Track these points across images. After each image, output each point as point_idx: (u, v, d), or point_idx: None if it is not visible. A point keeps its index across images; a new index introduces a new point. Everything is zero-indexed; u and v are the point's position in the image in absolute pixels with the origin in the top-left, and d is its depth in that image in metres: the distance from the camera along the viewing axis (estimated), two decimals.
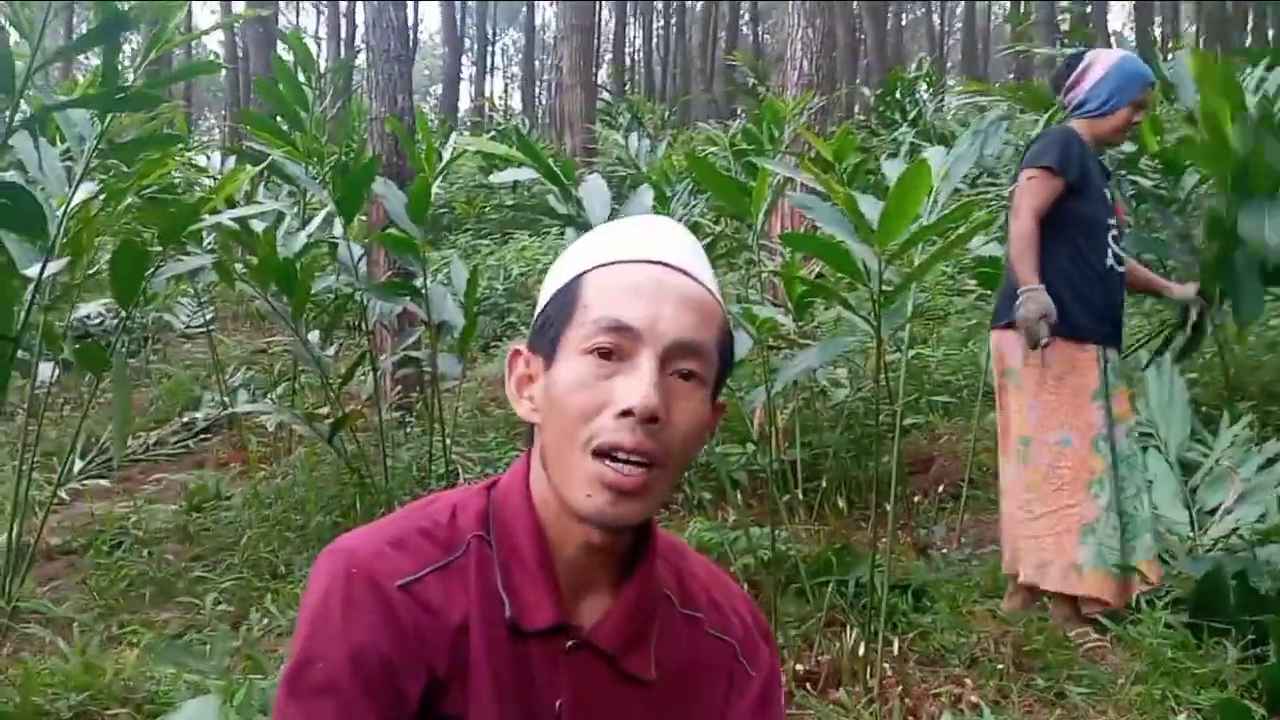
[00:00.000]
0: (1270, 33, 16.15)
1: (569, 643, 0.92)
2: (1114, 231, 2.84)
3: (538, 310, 0.97)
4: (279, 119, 3.77)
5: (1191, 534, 2.94)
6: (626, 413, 0.86)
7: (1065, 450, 2.70)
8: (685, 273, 0.92)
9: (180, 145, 3.48)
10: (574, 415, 0.88)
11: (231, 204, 3.65)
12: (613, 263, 0.92)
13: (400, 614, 0.88)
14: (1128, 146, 3.87)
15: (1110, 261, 2.81)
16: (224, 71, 23.16)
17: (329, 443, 3.44)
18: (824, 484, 3.69)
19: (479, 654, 0.89)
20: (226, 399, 5.09)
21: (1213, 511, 3.01)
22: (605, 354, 0.87)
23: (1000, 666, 2.48)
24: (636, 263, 0.92)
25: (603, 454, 0.87)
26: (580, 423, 0.88)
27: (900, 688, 2.39)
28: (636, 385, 0.86)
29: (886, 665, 2.49)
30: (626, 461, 0.86)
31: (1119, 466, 2.72)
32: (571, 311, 0.91)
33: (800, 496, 3.67)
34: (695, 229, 4.97)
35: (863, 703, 2.34)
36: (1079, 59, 2.92)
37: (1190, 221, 3.81)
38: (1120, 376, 2.82)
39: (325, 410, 4.61)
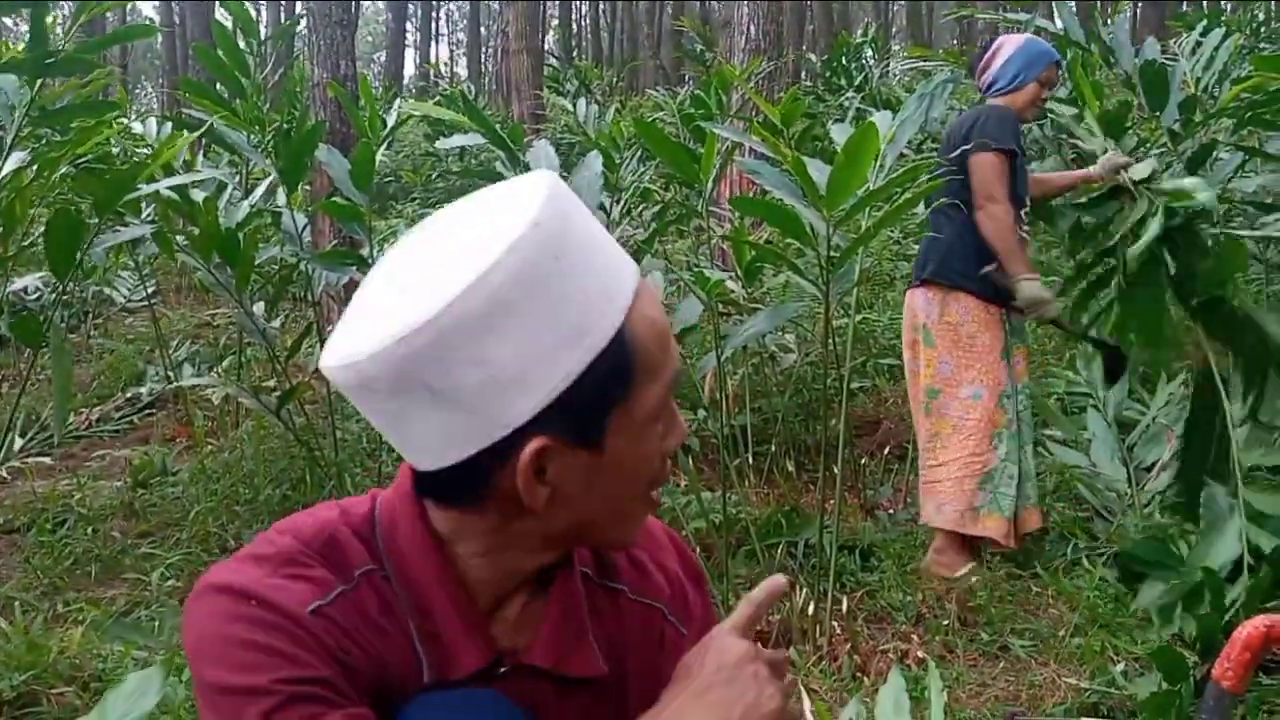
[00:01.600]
0: None
1: (501, 670, 0.84)
2: (1026, 206, 3.04)
3: (559, 386, 0.73)
4: (219, 86, 3.69)
5: (1129, 490, 3.02)
6: (676, 449, 0.84)
7: (975, 404, 2.89)
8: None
9: (116, 113, 3.39)
10: (645, 479, 0.82)
11: (170, 172, 3.57)
12: (634, 297, 0.77)
13: (324, 638, 0.77)
14: (1069, 109, 3.92)
15: (1022, 232, 3.01)
16: (160, 38, 22.55)
17: (276, 415, 3.40)
18: (773, 448, 3.73)
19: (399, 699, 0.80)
20: (171, 373, 5.01)
21: (1149, 468, 3.09)
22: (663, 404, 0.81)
23: (946, 623, 2.54)
24: (637, 284, 0.79)
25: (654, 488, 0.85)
26: (648, 483, 0.83)
27: (849, 645, 2.44)
28: (678, 422, 0.83)
29: (835, 624, 2.54)
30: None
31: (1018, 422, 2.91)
32: (629, 379, 0.76)
33: (750, 461, 3.71)
34: (645, 196, 4.96)
35: (813, 660, 2.39)
36: (990, 44, 3.21)
37: None
38: (1020, 338, 3.02)
39: (272, 383, 4.56)
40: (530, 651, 0.84)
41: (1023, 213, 3.02)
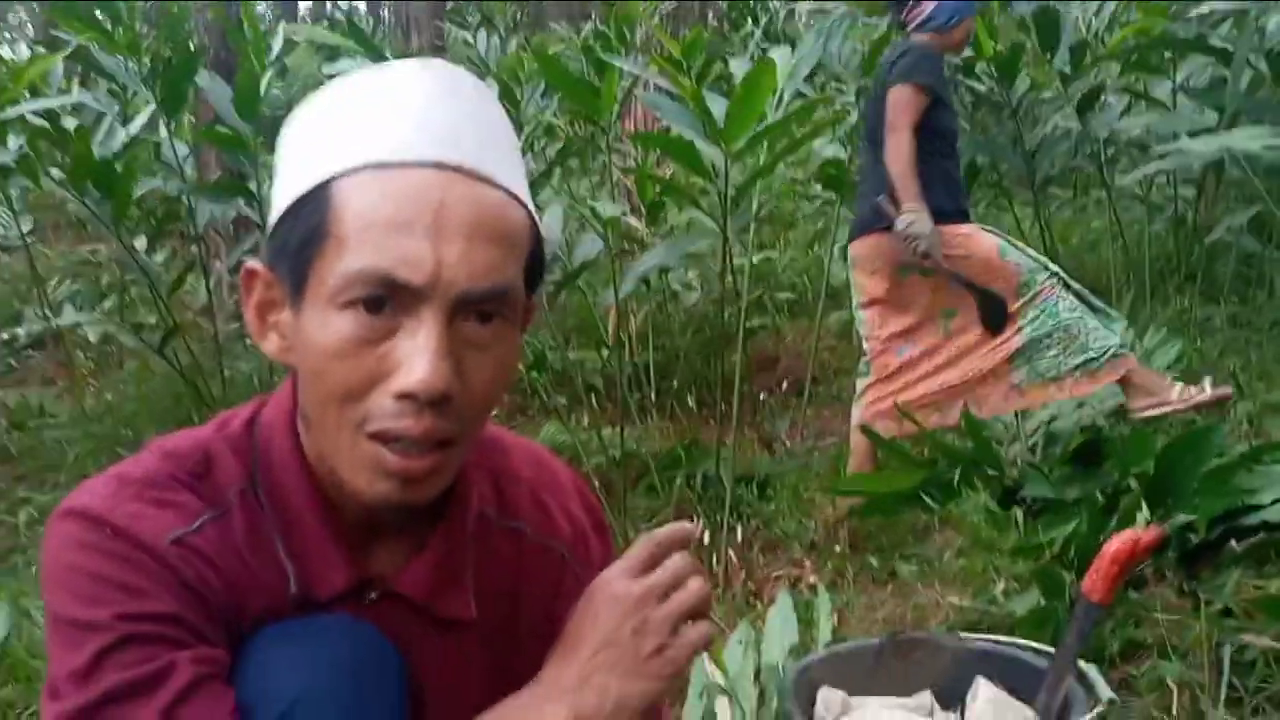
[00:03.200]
0: None
1: (370, 595, 0.81)
2: (954, 141, 2.97)
3: (274, 214, 0.76)
4: (95, 12, 3.48)
5: (1015, 419, 3.13)
6: (408, 395, 0.70)
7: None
8: (475, 176, 0.72)
9: None
10: (337, 390, 0.71)
11: (38, 97, 3.37)
12: (373, 165, 0.71)
13: (180, 569, 0.73)
14: (966, 52, 3.98)
15: (949, 169, 2.92)
16: None
17: (160, 354, 3.28)
18: (675, 385, 3.75)
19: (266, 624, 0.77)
20: (49, 313, 4.78)
21: None
22: (371, 307, 0.70)
23: (838, 549, 2.60)
24: (406, 167, 0.71)
25: (383, 439, 0.72)
26: (347, 400, 0.72)
27: (744, 572, 2.49)
28: (418, 358, 0.69)
29: (731, 552, 2.58)
30: (414, 445, 0.72)
31: None
32: (321, 240, 0.71)
33: (653, 397, 3.72)
34: (547, 132, 4.88)
35: (710, 588, 2.42)
36: None
37: (1022, 126, 3.97)
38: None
39: (155, 321, 4.39)
40: (399, 579, 0.81)
41: (955, 148, 2.93)
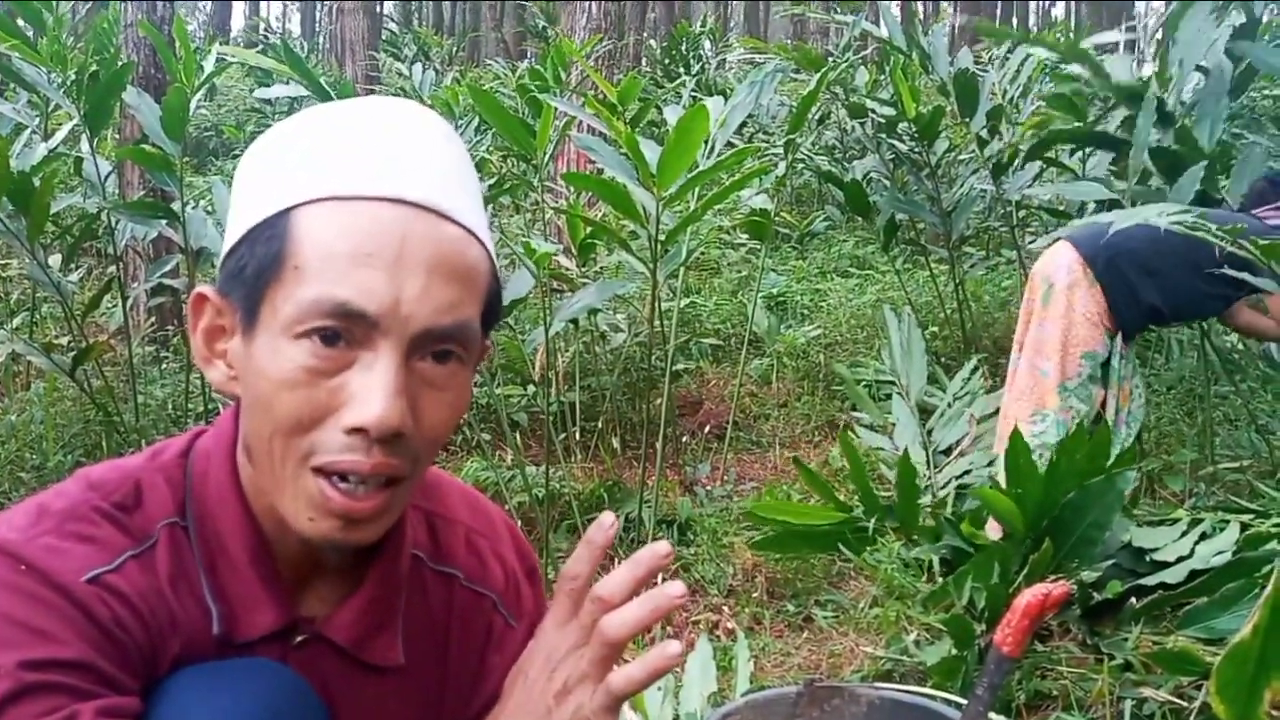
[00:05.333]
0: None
1: (297, 639, 0.79)
2: None
3: (230, 240, 0.75)
4: (19, 21, 3.39)
5: (927, 472, 3.21)
6: (359, 429, 0.69)
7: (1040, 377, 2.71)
8: (438, 213, 0.72)
9: None
10: (286, 420, 0.70)
11: None
12: (335, 198, 0.70)
13: (95, 611, 0.70)
14: (889, 111, 4.11)
15: None
16: None
17: (70, 376, 3.18)
18: (600, 425, 3.76)
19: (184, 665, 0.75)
20: None
21: (946, 451, 3.29)
22: (327, 338, 0.69)
23: (755, 595, 2.63)
24: (368, 200, 0.70)
25: (328, 474, 0.70)
26: (295, 432, 0.70)
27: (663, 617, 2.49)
28: (372, 394, 0.68)
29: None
30: (361, 483, 0.70)
31: None
32: (278, 268, 0.70)
33: (577, 437, 3.73)
34: (480, 167, 4.89)
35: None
36: None
37: (940, 186, 4.11)
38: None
39: (67, 342, 4.25)
40: (329, 623, 0.80)
41: None
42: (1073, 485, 2.12)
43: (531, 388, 3.82)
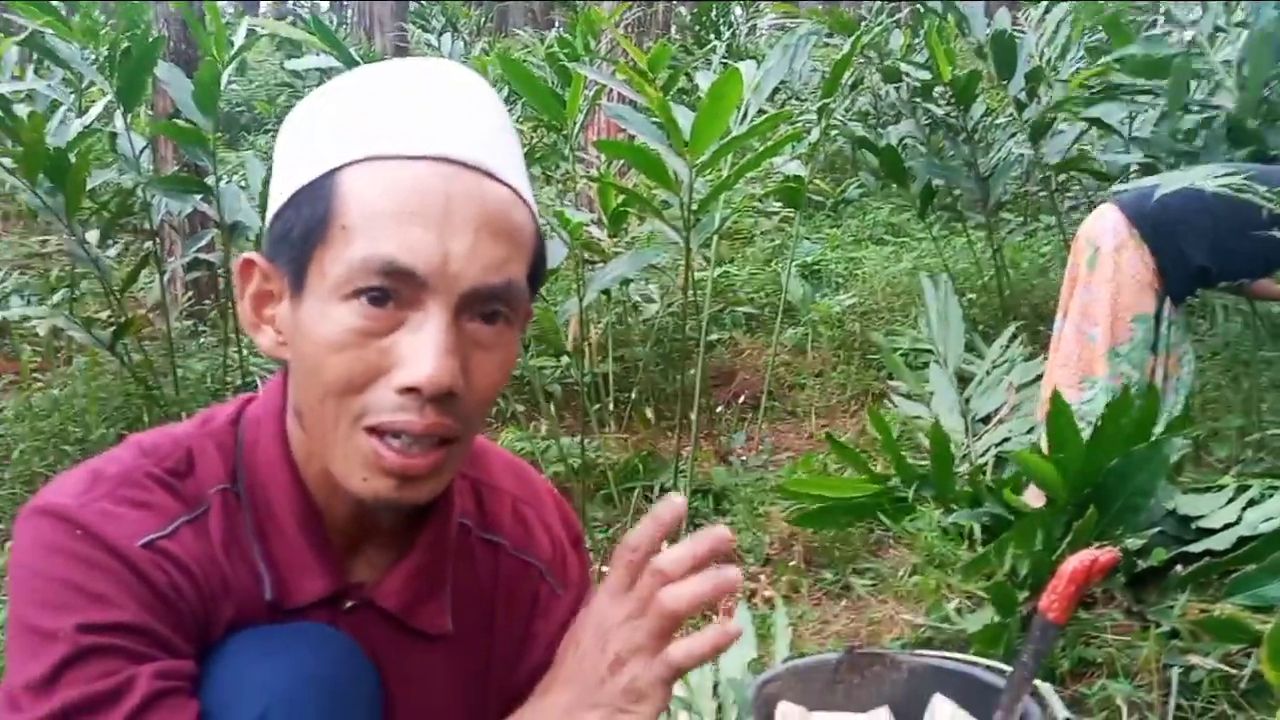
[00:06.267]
0: None
1: (347, 604, 0.79)
2: None
3: (276, 203, 0.74)
4: None
5: (966, 440, 3.18)
6: (411, 389, 0.69)
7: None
8: (483, 171, 0.71)
9: None
10: (336, 382, 0.69)
11: None
12: (379, 157, 0.70)
13: (151, 575, 0.71)
14: (924, 75, 4.04)
15: None
16: None
17: (111, 350, 3.22)
18: (634, 395, 3.75)
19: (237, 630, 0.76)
20: None
21: (985, 419, 3.25)
22: (376, 299, 0.69)
23: (792, 563, 2.62)
24: (413, 159, 0.70)
25: (381, 433, 0.70)
26: (347, 393, 0.70)
27: None
28: (423, 353, 0.68)
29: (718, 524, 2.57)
30: (414, 442, 0.70)
31: None
32: (324, 229, 0.70)
33: (611, 408, 3.72)
34: None
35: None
36: None
37: (977, 150, 4.04)
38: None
39: (107, 316, 4.30)
40: (378, 589, 0.80)
41: None
42: (1118, 451, 2.08)
43: (565, 359, 3.81)
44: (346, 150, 0.71)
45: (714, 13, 8.65)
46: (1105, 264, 2.60)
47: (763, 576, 2.59)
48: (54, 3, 3.37)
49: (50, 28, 3.20)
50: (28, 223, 6.66)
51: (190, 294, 4.51)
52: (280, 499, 0.77)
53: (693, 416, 2.96)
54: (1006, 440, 3.09)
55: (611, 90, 3.64)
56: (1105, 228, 2.63)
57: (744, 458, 3.43)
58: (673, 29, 10.61)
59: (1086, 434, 2.17)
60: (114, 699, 0.69)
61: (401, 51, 9.91)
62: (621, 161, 4.26)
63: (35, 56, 4.22)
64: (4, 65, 3.52)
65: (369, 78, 0.75)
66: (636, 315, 4.26)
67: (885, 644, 2.09)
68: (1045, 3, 4.21)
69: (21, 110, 3.32)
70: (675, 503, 0.69)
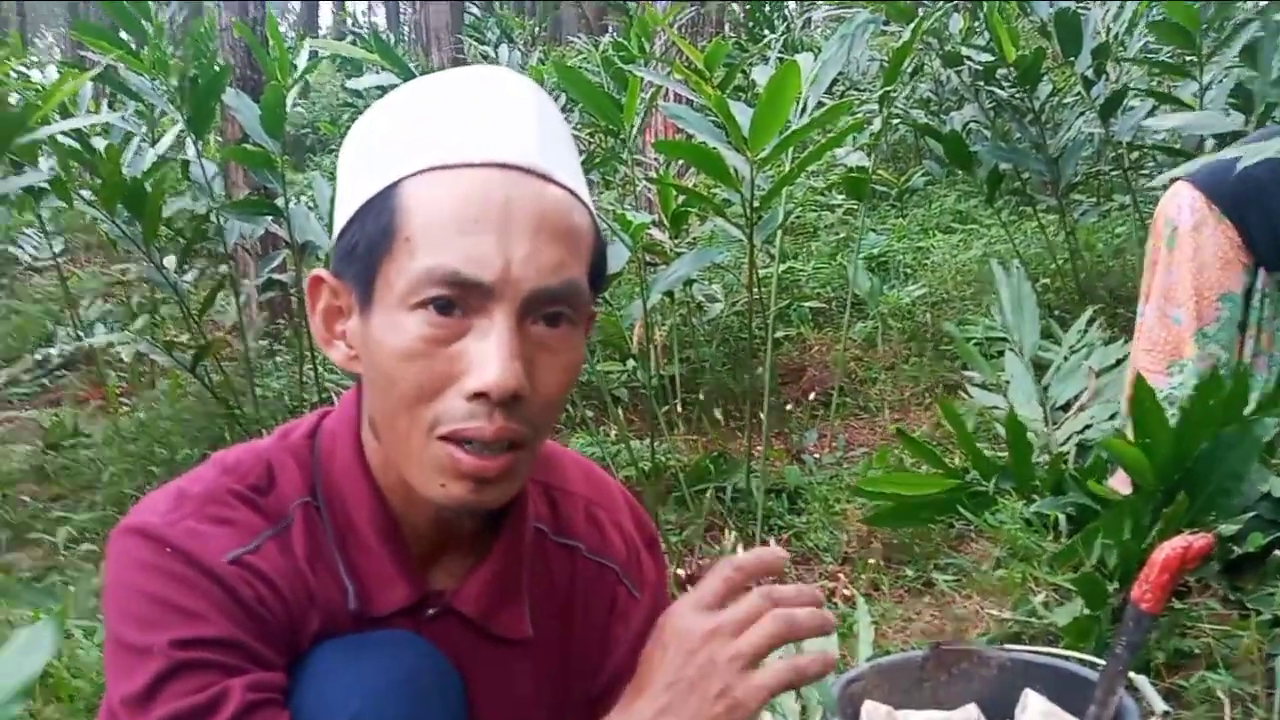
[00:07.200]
0: None
1: (429, 611, 0.81)
2: None
3: (341, 220, 0.76)
4: (121, 32, 3.51)
5: (1046, 429, 3.10)
6: (480, 393, 0.70)
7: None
8: (539, 174, 0.72)
9: (4, 52, 3.20)
10: (409, 392, 0.71)
11: (67, 118, 3.41)
12: (438, 167, 0.71)
13: (239, 590, 0.73)
14: (986, 57, 3.96)
15: None
16: None
17: (192, 372, 3.31)
18: (701, 396, 3.74)
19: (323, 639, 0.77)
20: (81, 333, 4.82)
21: (1065, 407, 3.17)
22: (443, 307, 0.70)
23: (871, 561, 2.58)
24: (471, 168, 0.71)
25: (455, 440, 0.72)
26: (419, 402, 0.71)
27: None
28: (490, 358, 0.69)
29: (772, 540, 2.55)
30: (486, 447, 0.72)
31: None
32: (389, 242, 0.71)
33: (679, 409, 3.71)
34: None
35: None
36: None
37: (1044, 131, 3.94)
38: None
39: (187, 339, 4.43)
40: (457, 596, 0.81)
41: None
42: (1208, 434, 2.01)
43: (631, 362, 3.82)
44: (405, 163, 0.73)
45: (768, 7, 8.59)
46: (1185, 243, 2.51)
47: (842, 575, 2.55)
48: (124, 33, 3.47)
49: (123, 62, 3.29)
50: (108, 252, 6.90)
51: (265, 314, 4.62)
52: (359, 509, 0.79)
53: (763, 415, 2.94)
54: (1088, 428, 3.00)
55: (668, 91, 3.64)
56: (1182, 205, 2.54)
57: (817, 455, 3.39)
58: (727, 26, 10.58)
59: (1176, 419, 2.10)
60: (209, 712, 0.71)
61: (459, 64, 10.04)
62: (680, 162, 4.25)
63: (109, 90, 4.36)
64: (80, 100, 3.65)
65: (422, 90, 0.77)
66: (701, 315, 4.25)
67: (972, 640, 2.04)
68: None
69: (98, 143, 3.43)
70: (780, 555, 0.75)
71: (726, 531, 2.70)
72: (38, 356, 5.09)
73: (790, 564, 2.64)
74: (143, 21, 3.46)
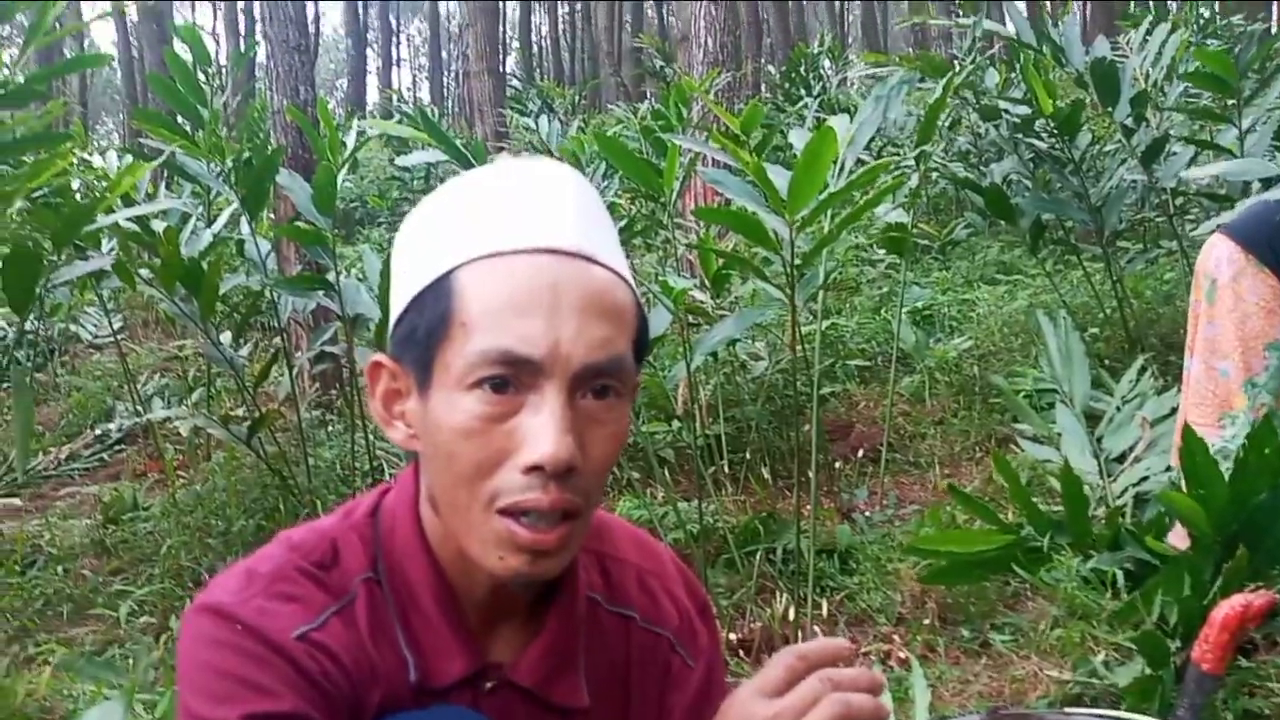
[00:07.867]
0: None
1: (488, 684, 0.82)
2: None
3: (398, 308, 0.80)
4: (177, 117, 3.66)
5: (1101, 482, 3.05)
6: (536, 466, 0.73)
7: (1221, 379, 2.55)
8: (584, 257, 0.76)
9: (70, 143, 3.35)
10: (467, 468, 0.74)
11: (131, 205, 3.54)
12: (490, 255, 0.75)
13: (306, 665, 0.76)
14: (1024, 110, 3.98)
15: None
16: (119, 72, 22.39)
17: (247, 445, 3.37)
18: (748, 456, 3.73)
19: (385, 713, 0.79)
20: (140, 408, 4.95)
21: (1119, 459, 3.11)
22: (498, 385, 0.74)
23: (926, 622, 2.54)
24: (520, 254, 0.75)
25: (513, 513, 0.74)
26: (478, 477, 0.74)
27: None
28: (544, 432, 0.72)
29: (817, 628, 2.53)
30: (542, 518, 0.74)
31: None
32: (446, 327, 0.75)
33: (725, 469, 3.71)
34: (610, 210, 4.97)
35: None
36: None
37: (1086, 180, 3.94)
38: None
39: (242, 412, 4.51)
40: (515, 668, 0.83)
41: None
42: (1264, 484, 1.97)
43: (676, 423, 3.83)
44: (458, 253, 0.77)
45: (803, 69, 8.70)
46: (1225, 296, 2.49)
47: (896, 636, 2.52)
48: (180, 118, 3.62)
49: (181, 148, 3.42)
50: (165, 328, 7.09)
51: (317, 385, 4.70)
52: (419, 583, 0.81)
53: (811, 474, 2.93)
54: (1144, 479, 2.95)
55: (707, 154, 3.69)
56: (1220, 258, 2.52)
57: (868, 513, 3.36)
58: (763, 88, 10.72)
59: (1230, 471, 2.06)
60: None
61: (501, 136, 10.26)
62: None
63: (166, 171, 4.52)
64: (139, 184, 3.79)
65: (471, 183, 0.82)
66: (745, 374, 4.26)
67: (1031, 703, 2.00)
68: (1146, 23, 4.12)
69: (157, 225, 3.56)
70: (846, 646, 0.74)
71: (778, 594, 2.68)
72: (98, 432, 5.23)
73: (844, 626, 2.61)
74: (199, 108, 3.61)
